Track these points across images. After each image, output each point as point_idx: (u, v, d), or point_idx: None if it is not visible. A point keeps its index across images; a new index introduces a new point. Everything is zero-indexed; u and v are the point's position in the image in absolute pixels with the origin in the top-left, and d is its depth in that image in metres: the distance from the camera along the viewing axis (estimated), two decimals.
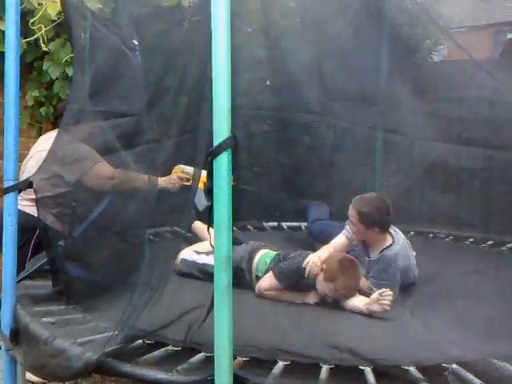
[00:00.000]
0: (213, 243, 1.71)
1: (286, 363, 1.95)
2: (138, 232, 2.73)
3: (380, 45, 3.87)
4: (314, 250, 3.05)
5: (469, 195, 3.74)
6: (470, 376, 1.84)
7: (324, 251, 2.88)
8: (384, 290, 2.54)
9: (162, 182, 3.31)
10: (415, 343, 2.16)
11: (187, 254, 3.16)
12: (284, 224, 4.59)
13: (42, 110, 4.29)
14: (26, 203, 2.99)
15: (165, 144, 2.89)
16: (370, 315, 2.55)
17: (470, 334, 2.16)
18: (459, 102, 3.36)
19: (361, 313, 2.57)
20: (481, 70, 3.10)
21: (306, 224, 4.22)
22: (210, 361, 1.76)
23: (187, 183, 3.26)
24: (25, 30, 3.73)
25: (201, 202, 2.87)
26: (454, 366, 1.90)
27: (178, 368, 1.86)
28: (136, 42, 3.10)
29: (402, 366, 1.92)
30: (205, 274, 2.97)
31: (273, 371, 1.89)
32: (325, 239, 3.24)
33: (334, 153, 4.15)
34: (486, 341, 2.09)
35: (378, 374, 1.89)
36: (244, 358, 1.95)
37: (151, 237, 3.43)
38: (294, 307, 2.69)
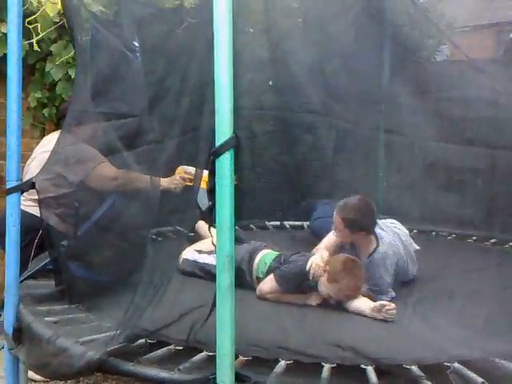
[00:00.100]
0: (215, 242, 1.71)
1: (288, 362, 1.96)
2: (141, 232, 2.74)
3: (382, 45, 3.87)
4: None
5: (471, 194, 3.73)
6: (472, 375, 1.84)
7: (323, 253, 2.87)
8: (386, 302, 2.54)
9: (165, 182, 3.32)
10: (417, 342, 2.16)
11: (189, 253, 3.17)
12: (287, 223, 4.58)
13: (45, 111, 4.31)
14: (29, 203, 3.00)
15: (167, 144, 2.90)
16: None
17: (473, 333, 2.16)
18: (461, 101, 3.36)
19: (364, 315, 2.56)
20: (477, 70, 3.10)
21: (308, 223, 4.22)
22: (212, 360, 1.77)
23: (190, 184, 3.26)
24: (27, 32, 3.74)
25: (203, 201, 2.86)
26: (456, 364, 1.90)
27: (180, 367, 1.87)
28: (137, 44, 3.10)
29: (404, 365, 1.92)
30: (206, 274, 2.97)
31: (275, 370, 1.89)
32: (323, 236, 3.25)
33: (337, 152, 4.15)
34: (488, 339, 2.09)
35: (379, 372, 1.90)
36: (246, 358, 1.95)
37: (154, 236, 3.44)
38: (297, 306, 2.69)
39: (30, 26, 3.74)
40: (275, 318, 2.53)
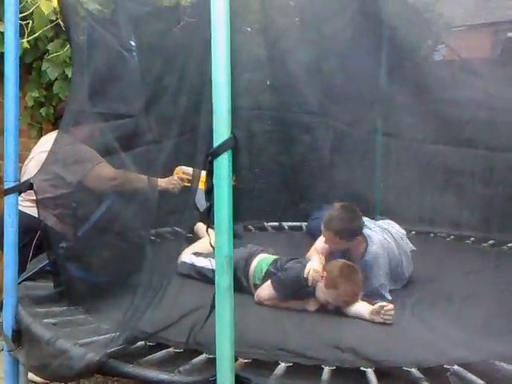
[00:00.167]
0: (213, 243, 1.71)
1: (287, 364, 1.96)
2: (140, 233, 2.73)
3: (379, 45, 3.86)
4: None
5: (469, 195, 3.73)
6: (472, 377, 1.84)
7: (319, 258, 2.86)
8: (385, 304, 2.54)
9: (163, 182, 3.31)
10: (417, 344, 2.16)
11: (187, 256, 3.15)
12: (285, 224, 4.58)
13: (42, 110, 4.29)
14: (27, 204, 2.99)
15: (165, 145, 2.89)
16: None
17: (472, 335, 2.16)
18: (459, 102, 3.36)
19: (363, 319, 2.56)
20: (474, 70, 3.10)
21: (306, 224, 4.23)
22: (212, 362, 1.77)
23: (188, 184, 3.25)
24: (24, 31, 3.72)
25: (201, 202, 2.83)
26: (456, 367, 1.90)
27: (180, 369, 1.87)
28: (133, 43, 3.09)
29: (404, 368, 1.93)
30: (203, 277, 2.97)
31: (275, 372, 1.89)
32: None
33: (335, 153, 4.15)
34: (488, 341, 2.09)
35: (379, 375, 1.90)
36: (246, 360, 1.95)
37: (152, 237, 3.44)
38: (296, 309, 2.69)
39: (23, 23, 3.71)
40: (275, 320, 2.53)
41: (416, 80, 3.49)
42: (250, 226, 4.42)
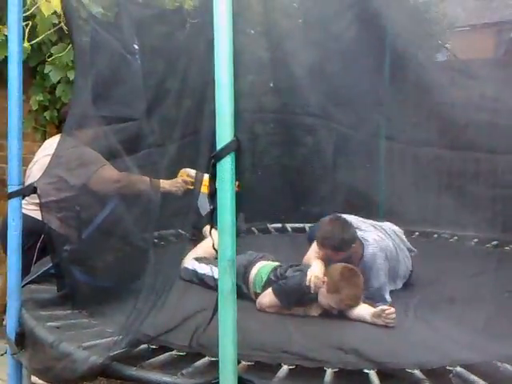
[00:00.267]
0: (216, 247, 1.71)
1: (290, 367, 1.95)
2: (143, 236, 2.73)
3: (382, 48, 3.86)
4: None
5: (472, 196, 3.72)
6: (475, 378, 1.84)
7: (319, 264, 2.84)
8: (386, 307, 2.54)
9: (167, 184, 3.32)
10: (420, 346, 2.16)
11: (189, 262, 3.15)
12: (288, 226, 4.58)
13: (47, 113, 4.30)
14: (31, 207, 3.00)
15: (168, 148, 2.89)
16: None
17: (475, 336, 2.16)
18: (463, 103, 3.35)
19: (365, 322, 2.56)
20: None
21: (310, 225, 4.23)
22: (214, 364, 1.77)
23: (192, 187, 3.25)
24: (28, 35, 3.73)
25: (203, 206, 2.79)
26: (459, 368, 1.90)
27: (183, 371, 1.87)
28: (136, 46, 3.10)
29: (407, 369, 1.92)
30: (204, 284, 2.97)
31: (277, 375, 1.89)
32: None
33: (337, 155, 4.15)
34: (490, 342, 2.09)
35: (382, 376, 1.90)
36: (248, 363, 1.95)
37: (156, 240, 3.44)
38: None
39: (23, 23, 3.72)
40: (277, 322, 2.53)
41: (419, 82, 3.48)
42: (253, 228, 4.42)
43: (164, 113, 3.02)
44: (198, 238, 3.42)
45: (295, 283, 2.75)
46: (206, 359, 1.97)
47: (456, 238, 4.14)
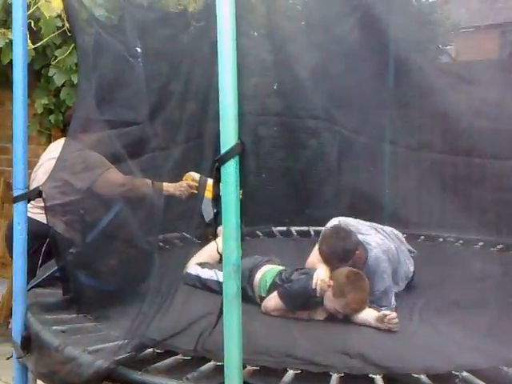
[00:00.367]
0: (220, 250, 1.71)
1: (296, 371, 1.95)
2: (148, 239, 2.74)
3: (385, 50, 3.85)
4: None
5: (478, 199, 3.71)
6: (480, 383, 1.83)
7: (325, 267, 2.84)
8: (388, 312, 2.54)
9: (171, 188, 3.32)
10: (426, 351, 2.14)
11: (192, 267, 3.13)
12: (293, 229, 4.57)
13: (51, 117, 4.32)
14: (36, 211, 3.00)
15: (172, 151, 2.89)
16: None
17: (481, 341, 2.15)
18: (468, 106, 3.33)
19: (370, 326, 2.55)
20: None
21: (315, 229, 4.22)
22: (220, 369, 1.77)
23: (196, 191, 3.24)
24: (33, 38, 3.74)
25: (207, 210, 2.72)
26: (465, 373, 1.89)
27: (189, 376, 1.86)
28: (139, 50, 3.10)
29: (413, 374, 1.92)
30: (208, 289, 2.96)
31: (283, 379, 1.88)
32: None
33: (341, 158, 4.14)
34: (497, 347, 2.08)
35: (388, 381, 1.89)
36: (254, 367, 1.95)
37: (161, 244, 3.44)
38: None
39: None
40: (283, 327, 2.53)
41: (423, 85, 3.48)
42: (257, 232, 4.41)
43: (168, 116, 3.02)
44: (202, 241, 3.41)
45: (301, 287, 2.74)
46: (212, 364, 1.97)
47: (461, 241, 4.13)
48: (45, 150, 3.69)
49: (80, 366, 1.97)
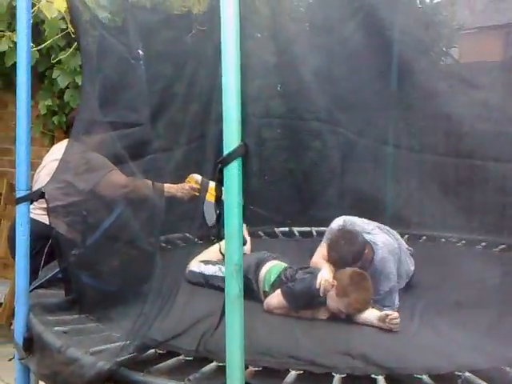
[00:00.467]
0: (223, 251, 1.71)
1: (298, 372, 1.95)
2: (150, 240, 2.74)
3: (389, 52, 3.85)
4: None
5: (480, 200, 3.71)
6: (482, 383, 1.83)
7: (329, 267, 2.84)
8: (390, 312, 2.54)
9: (173, 189, 3.32)
10: (428, 351, 2.14)
11: (195, 265, 3.15)
12: (295, 230, 4.57)
13: (55, 118, 4.34)
14: (39, 212, 3.01)
15: (175, 152, 2.90)
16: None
17: (483, 341, 2.14)
18: (472, 108, 3.32)
19: (372, 326, 2.55)
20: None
21: (317, 229, 4.22)
22: (222, 370, 1.76)
23: (198, 194, 3.24)
24: (37, 40, 3.76)
25: (209, 212, 2.65)
26: (467, 373, 1.89)
27: (190, 377, 1.86)
28: (141, 52, 3.11)
29: (415, 374, 1.92)
30: (212, 286, 2.97)
31: (285, 380, 1.88)
32: None
33: (344, 159, 4.14)
34: (499, 347, 2.07)
35: (390, 382, 1.89)
36: (256, 368, 1.94)
37: (163, 244, 3.44)
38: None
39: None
40: (285, 327, 2.52)
41: (426, 88, 3.47)
42: (259, 232, 4.41)
43: (171, 118, 3.02)
44: (204, 241, 3.42)
45: (305, 286, 2.75)
46: (214, 364, 1.97)
47: (463, 242, 4.13)
48: (48, 151, 3.70)
49: (82, 367, 1.97)
